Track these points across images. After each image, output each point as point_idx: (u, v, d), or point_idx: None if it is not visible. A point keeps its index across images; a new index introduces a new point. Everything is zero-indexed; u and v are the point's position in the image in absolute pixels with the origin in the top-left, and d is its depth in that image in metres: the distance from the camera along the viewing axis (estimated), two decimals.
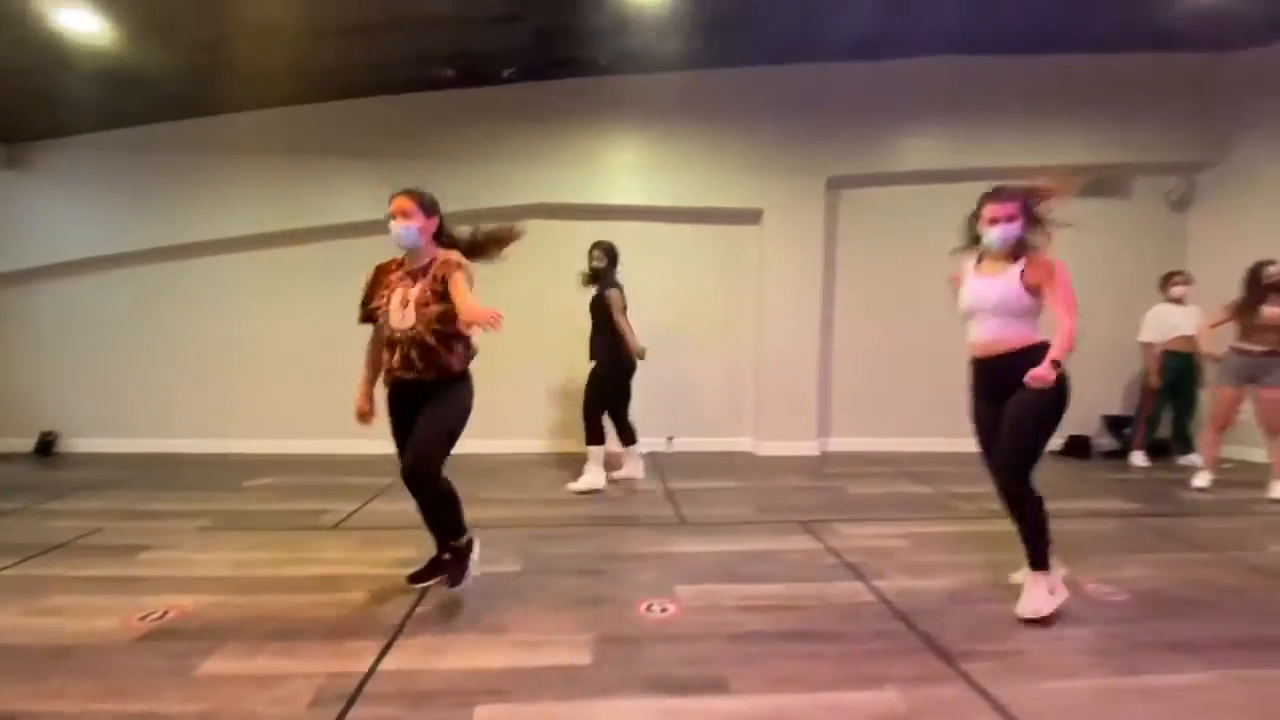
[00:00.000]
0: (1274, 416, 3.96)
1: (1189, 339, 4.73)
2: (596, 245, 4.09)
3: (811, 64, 4.98)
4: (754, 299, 5.35)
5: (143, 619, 2.20)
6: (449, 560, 2.36)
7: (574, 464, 4.79)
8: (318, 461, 4.83)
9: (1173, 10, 4.34)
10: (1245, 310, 4.03)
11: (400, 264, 2.34)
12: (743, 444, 5.43)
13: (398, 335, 2.21)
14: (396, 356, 2.21)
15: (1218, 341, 4.22)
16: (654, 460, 5.04)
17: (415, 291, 2.22)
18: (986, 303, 2.31)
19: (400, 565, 2.66)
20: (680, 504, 3.76)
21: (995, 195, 2.29)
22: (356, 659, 1.93)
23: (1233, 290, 4.14)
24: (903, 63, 4.99)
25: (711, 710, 1.70)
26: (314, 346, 5.14)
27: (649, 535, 3.17)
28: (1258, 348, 3.98)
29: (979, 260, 2.40)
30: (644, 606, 2.32)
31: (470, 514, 3.19)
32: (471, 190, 5.03)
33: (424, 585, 2.42)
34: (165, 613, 2.25)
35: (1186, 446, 5.03)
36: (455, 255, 2.29)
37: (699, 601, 2.38)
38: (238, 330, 5.22)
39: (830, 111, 5.08)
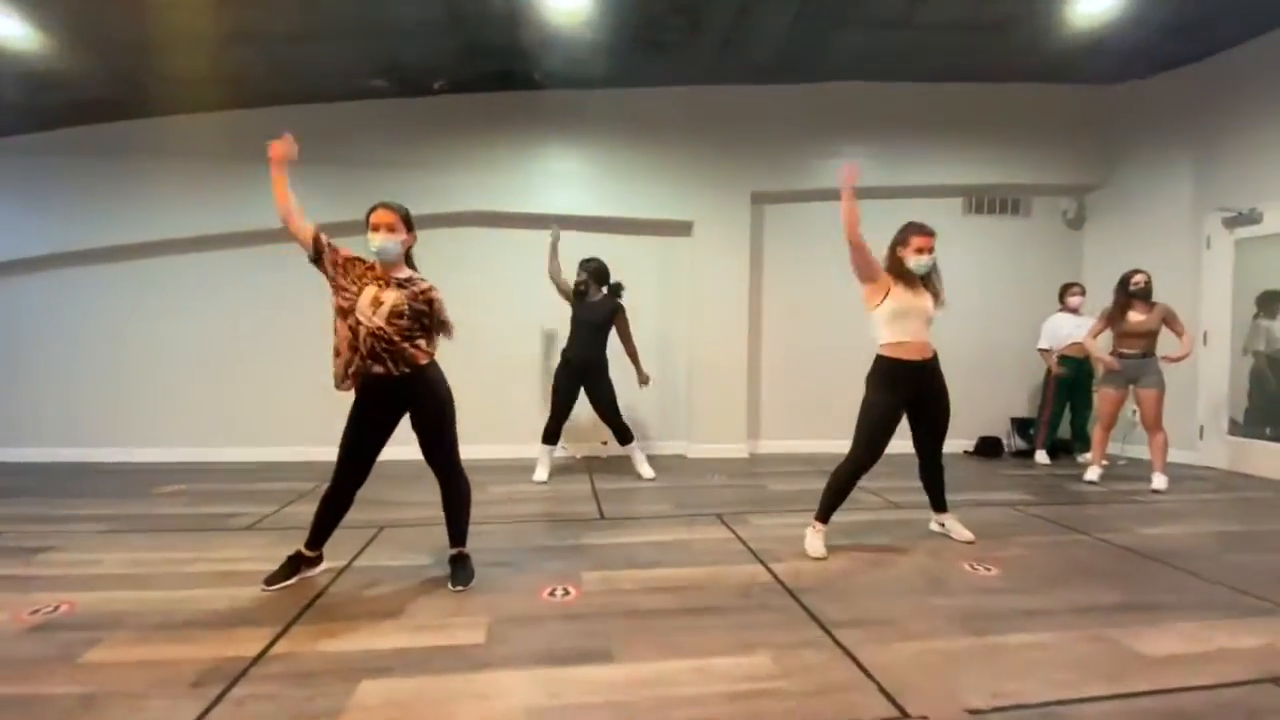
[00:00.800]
0: (1152, 413, 4.32)
1: (1082, 345, 5.11)
2: (583, 269, 4.41)
3: (734, 86, 5.23)
4: (686, 308, 5.53)
5: (33, 613, 2.16)
6: (461, 558, 2.55)
7: (509, 470, 4.85)
8: (239, 469, 4.72)
9: (1062, 45, 4.76)
10: (1115, 317, 4.40)
11: (369, 266, 2.38)
12: (677, 447, 5.57)
13: (363, 329, 2.27)
14: (364, 349, 2.28)
15: (1102, 347, 4.60)
16: (587, 464, 5.13)
17: (391, 297, 2.30)
18: (923, 313, 2.84)
19: None
20: (603, 501, 3.85)
21: (924, 230, 2.85)
22: (246, 645, 1.95)
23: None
24: (818, 86, 5.30)
25: (592, 678, 1.79)
26: (237, 354, 5.06)
27: (565, 530, 3.25)
28: (1132, 351, 4.35)
29: (895, 280, 2.88)
30: (546, 592, 2.40)
31: (385, 515, 3.24)
32: (407, 198, 5.14)
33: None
34: (57, 607, 2.21)
35: (1086, 445, 5.40)
36: (442, 300, 2.44)
37: (601, 586, 2.47)
38: (156, 337, 5.09)
39: (752, 131, 5.34)
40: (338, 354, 2.33)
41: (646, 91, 5.23)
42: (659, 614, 2.22)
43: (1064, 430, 5.53)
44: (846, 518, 3.52)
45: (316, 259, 2.37)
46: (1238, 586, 2.47)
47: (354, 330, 2.28)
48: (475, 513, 3.61)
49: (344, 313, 2.31)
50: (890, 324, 2.84)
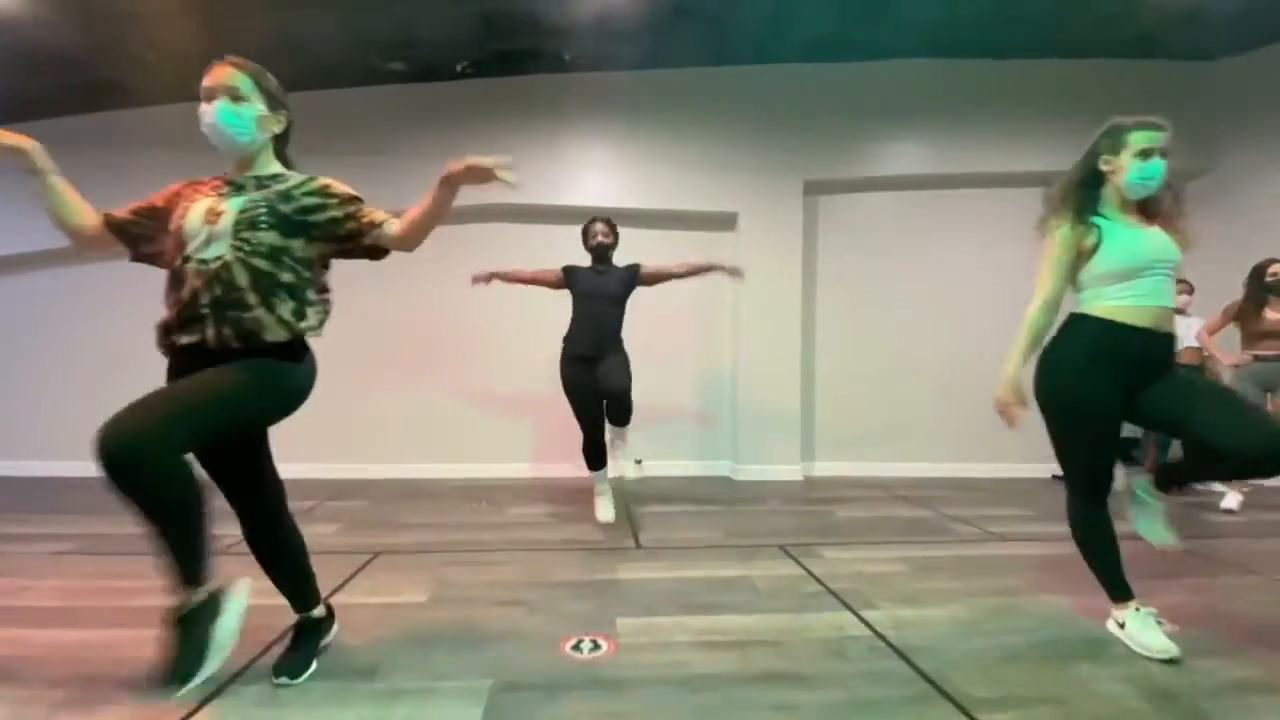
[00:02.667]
0: None
1: (1195, 350, 4.38)
2: (601, 220, 3.47)
3: (783, 65, 4.73)
4: (730, 310, 4.95)
5: None
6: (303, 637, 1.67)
7: (529, 489, 4.31)
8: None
9: (1152, 16, 4.16)
10: (1249, 314, 3.71)
11: (217, 180, 1.54)
12: (720, 468, 4.94)
13: (191, 269, 1.38)
14: (182, 308, 1.38)
15: (1224, 348, 3.91)
16: (619, 486, 4.54)
17: (240, 201, 1.44)
18: (1160, 260, 1.73)
19: (277, 595, 2.13)
20: (639, 528, 3.25)
21: (1162, 126, 1.75)
22: (160, 716, 1.40)
23: (1235, 295, 3.85)
24: (878, 64, 4.76)
25: None
26: None
27: (593, 560, 2.66)
28: (1271, 353, 3.63)
29: (1089, 215, 1.79)
30: (569, 644, 1.80)
31: (384, 540, 2.70)
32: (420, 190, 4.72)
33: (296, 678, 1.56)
34: None
35: None
36: (331, 182, 1.55)
37: (642, 638, 1.87)
38: (137, 341, 4.72)
39: (804, 114, 4.81)
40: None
41: (685, 73, 4.75)
42: (723, 683, 1.60)
43: (1176, 452, 4.74)
44: (943, 551, 2.86)
45: (134, 247, 1.56)
46: None
47: (178, 273, 1.41)
48: (488, 538, 3.10)
49: (173, 253, 1.44)
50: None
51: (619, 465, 3.38)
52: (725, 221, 4.91)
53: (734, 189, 4.79)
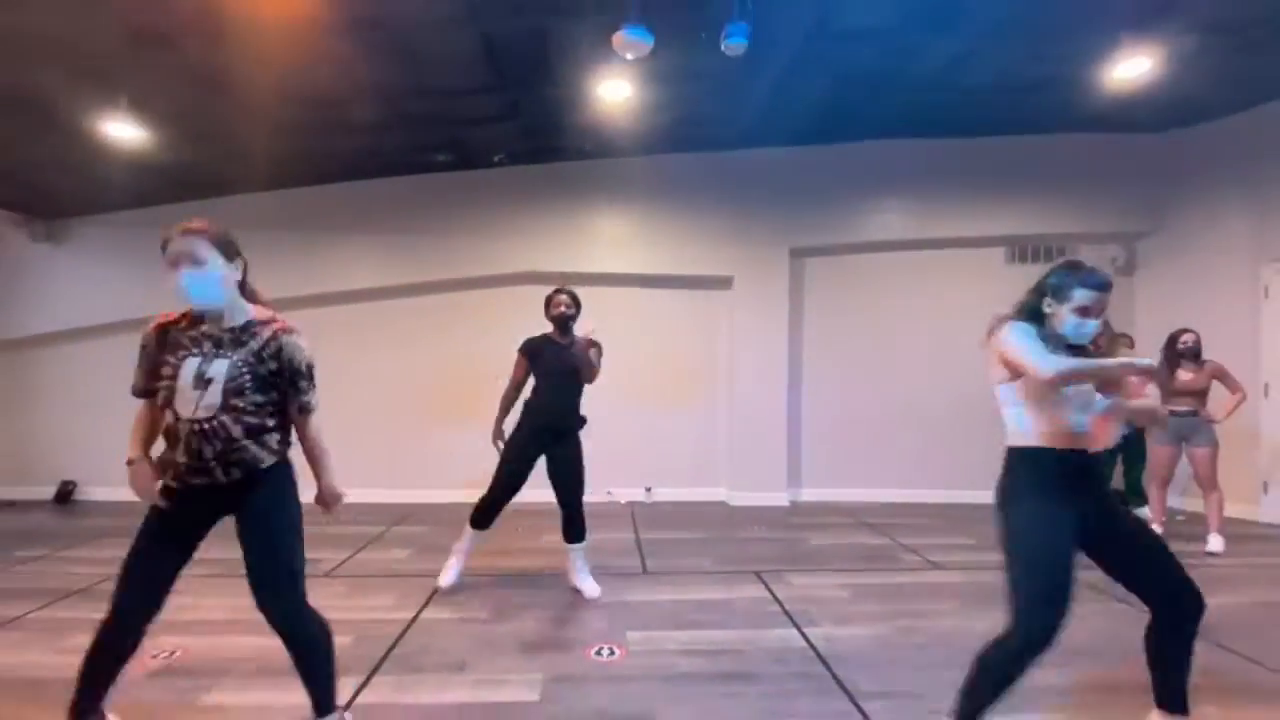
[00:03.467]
0: (1205, 472, 4.24)
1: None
2: (564, 291, 3.41)
3: (771, 148, 5.49)
4: (726, 358, 5.73)
5: (154, 657, 2.52)
6: None
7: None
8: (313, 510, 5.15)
9: (1103, 100, 4.83)
10: (1164, 375, 4.37)
11: (193, 319, 1.70)
12: (718, 494, 5.73)
13: (183, 425, 1.60)
14: (182, 452, 1.61)
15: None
16: (631, 510, 5.35)
17: (225, 367, 1.62)
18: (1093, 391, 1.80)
19: (383, 610, 2.98)
20: (646, 554, 4.06)
21: (1097, 278, 1.77)
22: (337, 694, 2.24)
23: None
24: (855, 145, 5.50)
25: None
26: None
27: (612, 584, 3.46)
28: (1182, 409, 4.30)
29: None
30: (593, 651, 2.61)
31: (443, 564, 3.45)
32: (465, 262, 5.56)
33: None
34: (173, 652, 2.57)
35: (1141, 500, 5.28)
36: (298, 341, 1.72)
37: (644, 646, 2.67)
38: None
39: (791, 189, 5.57)
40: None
41: (686, 157, 5.54)
42: (697, 678, 2.40)
43: (1117, 482, 5.42)
44: (882, 579, 3.62)
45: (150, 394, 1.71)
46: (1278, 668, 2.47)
47: (174, 429, 1.63)
48: (528, 564, 3.91)
49: (165, 405, 1.64)
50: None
51: (587, 586, 3.30)
52: (722, 283, 5.69)
53: (729, 255, 5.57)
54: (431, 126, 4.66)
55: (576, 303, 3.41)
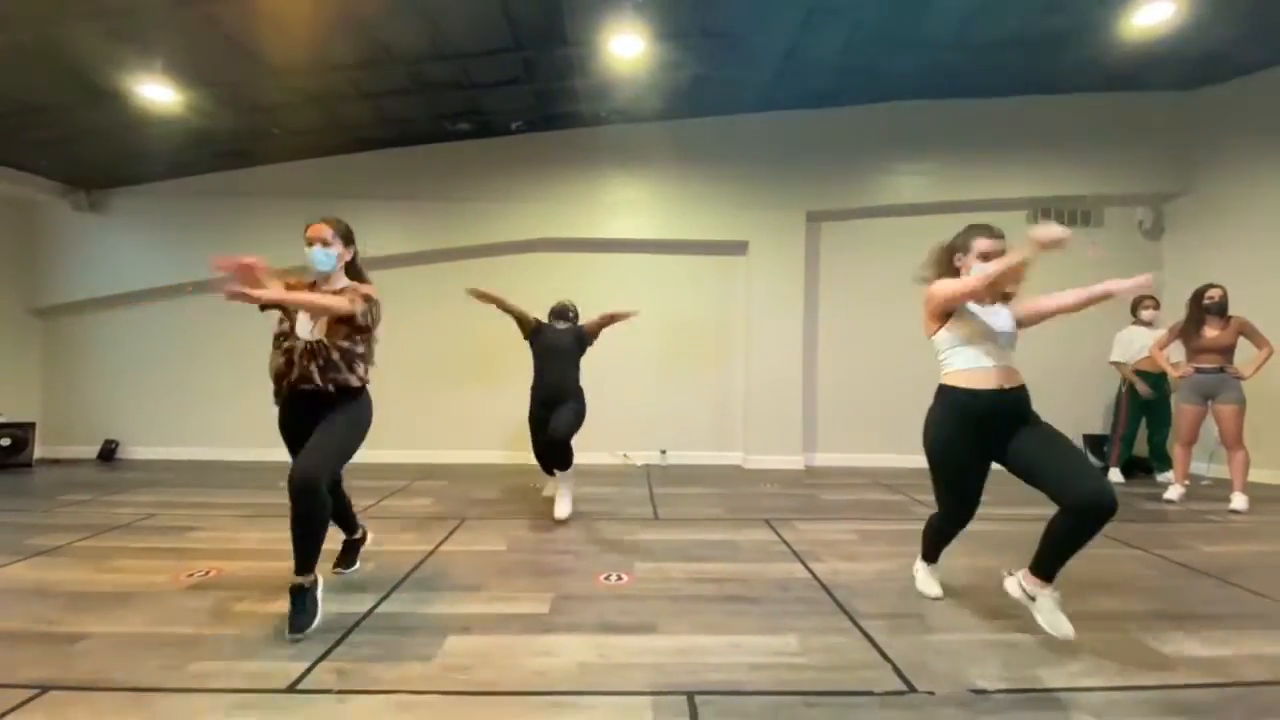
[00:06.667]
0: (1231, 430, 4.16)
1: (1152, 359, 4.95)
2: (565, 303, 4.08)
3: (788, 111, 5.47)
4: (742, 323, 5.76)
5: (189, 576, 2.68)
6: (350, 545, 2.70)
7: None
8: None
9: (1125, 56, 4.72)
10: (1189, 332, 4.28)
11: (309, 285, 2.40)
12: (733, 458, 5.78)
13: (299, 344, 2.25)
14: (295, 369, 2.24)
15: (1177, 359, 4.46)
16: (647, 471, 5.43)
17: None
18: (1001, 333, 2.21)
19: (405, 544, 3.12)
20: (659, 505, 4.14)
21: (991, 232, 2.26)
22: (358, 605, 2.37)
23: None
24: (872, 107, 5.45)
25: (636, 645, 2.08)
26: None
27: (623, 527, 3.56)
28: (1209, 366, 4.21)
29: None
30: (603, 576, 2.71)
31: (466, 510, 3.58)
32: (484, 229, 5.67)
33: (349, 569, 2.70)
34: (208, 572, 2.73)
35: (1165, 463, 5.19)
36: (372, 289, 2.38)
37: (652, 575, 2.75)
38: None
39: (806, 153, 5.55)
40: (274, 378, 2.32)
41: (702, 122, 5.55)
42: (700, 599, 2.47)
43: (1142, 448, 5.33)
44: (894, 526, 3.64)
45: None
46: None
47: (289, 353, 2.25)
48: (544, 509, 4.01)
49: (281, 337, 2.31)
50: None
51: (564, 502, 3.68)
52: (738, 248, 5.71)
53: (745, 220, 5.59)
54: (449, 92, 4.75)
55: (574, 308, 4.10)
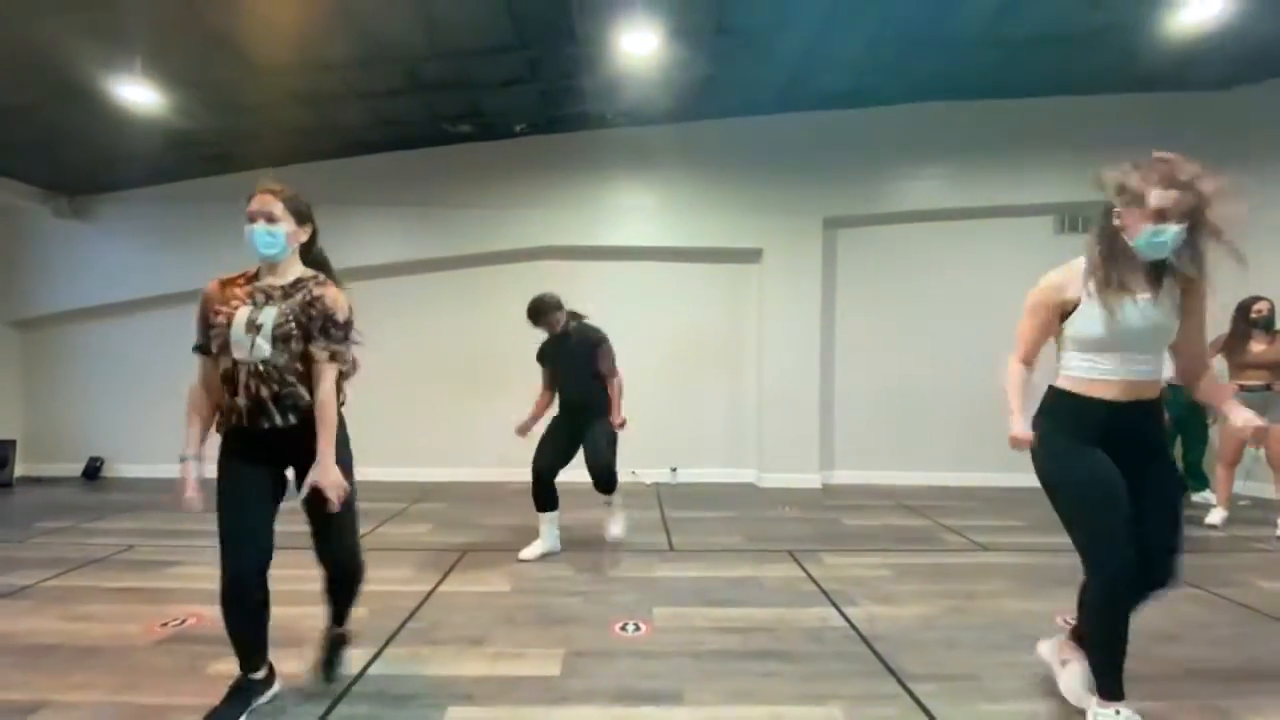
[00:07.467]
0: (1278, 451, 3.92)
1: None
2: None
3: (803, 113, 5.22)
4: (755, 334, 5.51)
5: (163, 625, 2.43)
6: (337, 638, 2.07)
7: (581, 494, 4.99)
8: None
9: (1162, 55, 4.48)
10: (1234, 347, 4.04)
11: (250, 277, 1.82)
12: (746, 475, 5.53)
13: (242, 369, 1.70)
14: (242, 397, 1.71)
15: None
16: (656, 490, 5.19)
17: (273, 314, 1.72)
18: (1146, 331, 1.68)
19: (400, 583, 2.87)
20: (673, 532, 3.89)
21: (1174, 171, 1.60)
22: (349, 664, 2.12)
23: None
24: (892, 109, 5.20)
25: (663, 718, 1.83)
26: None
27: (637, 560, 3.31)
28: (1254, 384, 3.97)
29: (1107, 278, 1.68)
30: (618, 626, 2.46)
31: (467, 538, 3.36)
32: (486, 236, 5.43)
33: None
34: (184, 620, 2.48)
35: (1200, 483, 4.95)
36: (340, 297, 1.81)
37: (672, 622, 2.51)
38: None
39: (824, 156, 5.30)
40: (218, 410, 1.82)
41: (712, 124, 5.30)
42: (728, 656, 2.23)
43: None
44: (927, 560, 3.40)
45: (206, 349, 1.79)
46: None
47: (231, 373, 1.72)
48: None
49: (220, 350, 1.73)
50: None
51: (615, 523, 3.63)
52: (751, 256, 5.46)
53: (758, 226, 5.34)
54: (449, 92, 4.50)
55: (556, 311, 3.55)
